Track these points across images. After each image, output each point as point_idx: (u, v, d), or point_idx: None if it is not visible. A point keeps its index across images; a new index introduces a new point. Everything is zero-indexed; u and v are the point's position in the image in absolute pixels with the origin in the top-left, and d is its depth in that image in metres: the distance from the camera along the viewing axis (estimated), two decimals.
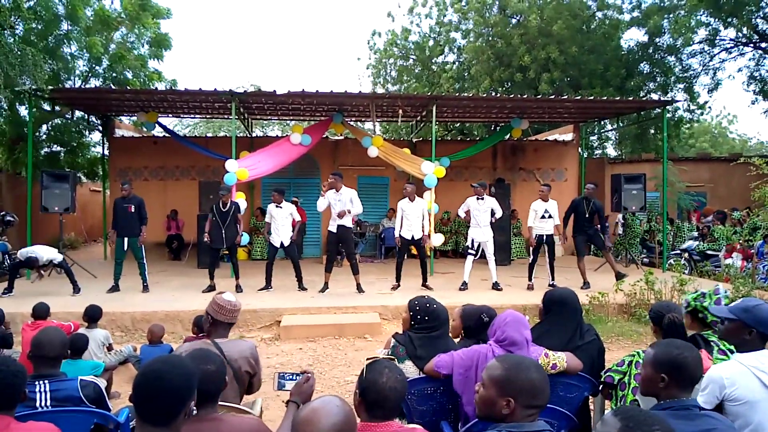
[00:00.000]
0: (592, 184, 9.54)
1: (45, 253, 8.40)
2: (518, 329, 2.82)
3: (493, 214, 9.11)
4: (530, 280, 9.17)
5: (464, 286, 9.01)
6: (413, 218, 8.89)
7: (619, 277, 8.74)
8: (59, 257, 8.58)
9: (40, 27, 12.15)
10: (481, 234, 9.00)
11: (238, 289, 8.84)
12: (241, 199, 10.13)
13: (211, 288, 8.80)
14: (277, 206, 8.98)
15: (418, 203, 8.99)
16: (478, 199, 9.03)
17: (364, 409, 2.03)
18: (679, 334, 2.88)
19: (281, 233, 8.95)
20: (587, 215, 9.14)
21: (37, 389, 2.71)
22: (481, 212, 8.99)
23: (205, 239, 8.91)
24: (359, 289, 8.78)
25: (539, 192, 9.20)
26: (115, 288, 8.76)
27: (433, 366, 2.88)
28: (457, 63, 21.62)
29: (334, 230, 8.70)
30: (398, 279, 9.13)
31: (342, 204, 8.66)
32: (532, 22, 16.24)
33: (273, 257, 9.10)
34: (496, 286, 9.02)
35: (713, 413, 2.16)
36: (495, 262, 9.19)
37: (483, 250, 9.12)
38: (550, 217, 8.98)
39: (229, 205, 8.92)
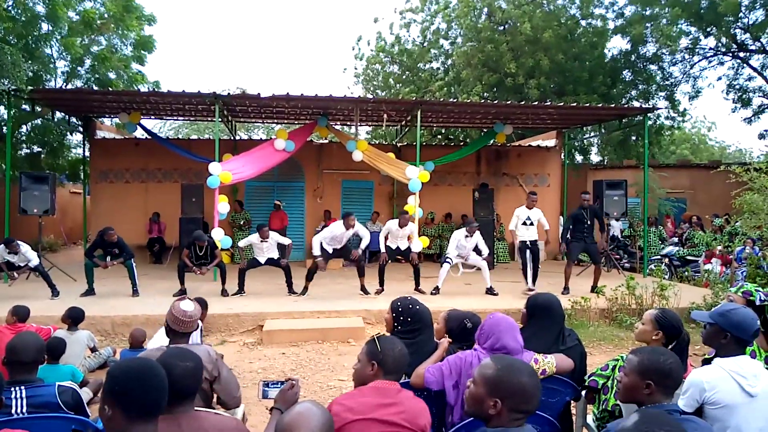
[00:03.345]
0: (587, 193, 9.62)
1: (25, 251, 8.26)
2: (513, 336, 2.82)
3: (479, 252, 9.23)
4: (527, 283, 9.09)
5: (436, 290, 9.05)
6: (401, 238, 9.23)
7: (594, 290, 8.87)
8: (36, 260, 8.42)
9: (19, 24, 11.96)
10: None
11: (224, 293, 8.74)
12: (223, 203, 10.06)
13: (183, 292, 8.68)
14: (262, 240, 8.91)
15: (409, 227, 9.30)
16: (466, 236, 9.11)
17: (383, 374, 2.37)
18: (684, 351, 2.93)
19: (266, 254, 9.01)
20: (588, 224, 9.21)
21: (12, 395, 2.66)
22: (467, 247, 9.11)
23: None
24: (364, 290, 8.95)
25: (528, 200, 9.21)
26: (89, 292, 8.63)
27: (423, 382, 2.84)
28: (443, 69, 21.73)
29: (329, 251, 8.90)
30: (381, 284, 9.13)
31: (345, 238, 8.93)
32: (524, 28, 16.38)
33: (250, 268, 9.01)
34: (490, 291, 9.04)
35: (693, 417, 2.19)
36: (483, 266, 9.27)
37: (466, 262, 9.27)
38: (531, 224, 9.06)
39: (204, 249, 8.85)
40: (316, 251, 8.68)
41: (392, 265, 9.39)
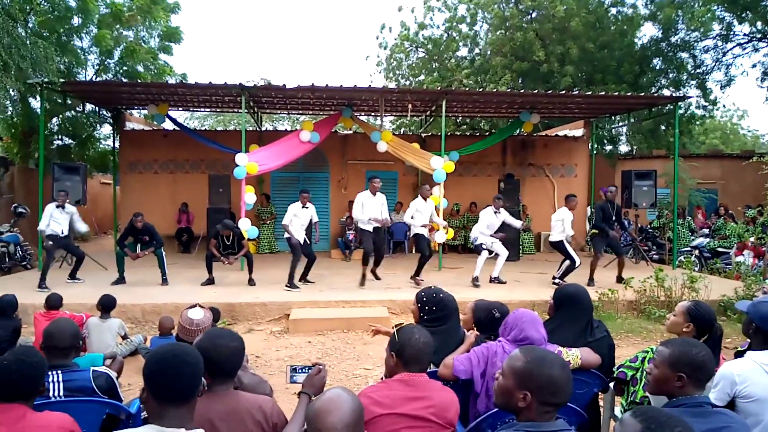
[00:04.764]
0: (614, 187, 9.48)
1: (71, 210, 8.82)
2: (536, 328, 2.81)
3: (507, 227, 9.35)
4: (562, 279, 9.02)
5: (476, 282, 8.96)
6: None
7: (620, 281, 8.78)
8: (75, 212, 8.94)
9: (52, 18, 12.19)
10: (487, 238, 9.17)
11: (251, 282, 8.85)
12: (249, 193, 10.15)
13: (210, 281, 8.84)
14: (303, 207, 8.81)
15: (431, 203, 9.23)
16: (495, 213, 9.09)
17: (402, 366, 2.33)
18: (717, 344, 2.90)
19: (304, 224, 8.88)
20: (613, 218, 9.17)
21: (50, 379, 2.73)
22: (497, 225, 9.16)
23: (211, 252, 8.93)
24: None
25: (571, 203, 9.01)
26: (120, 280, 8.82)
27: (453, 372, 2.84)
28: (470, 57, 21.51)
29: (371, 230, 8.79)
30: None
31: (378, 206, 8.85)
32: (557, 11, 16.15)
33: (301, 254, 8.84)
34: (498, 280, 9.16)
35: (726, 410, 2.15)
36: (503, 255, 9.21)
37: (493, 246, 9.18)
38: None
39: (232, 238, 8.93)
40: None
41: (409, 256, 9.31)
